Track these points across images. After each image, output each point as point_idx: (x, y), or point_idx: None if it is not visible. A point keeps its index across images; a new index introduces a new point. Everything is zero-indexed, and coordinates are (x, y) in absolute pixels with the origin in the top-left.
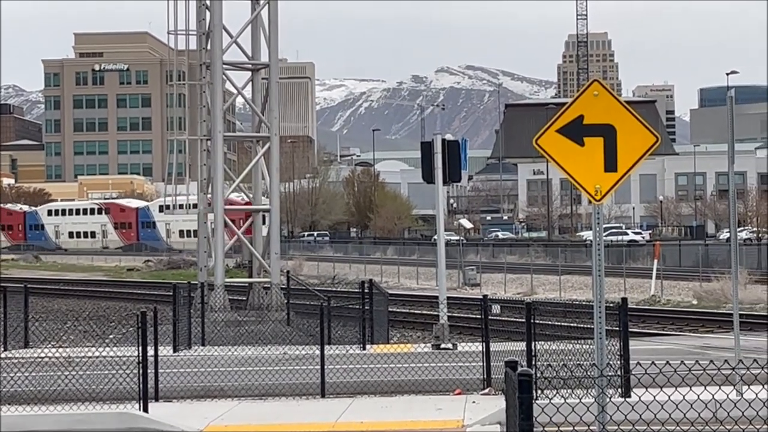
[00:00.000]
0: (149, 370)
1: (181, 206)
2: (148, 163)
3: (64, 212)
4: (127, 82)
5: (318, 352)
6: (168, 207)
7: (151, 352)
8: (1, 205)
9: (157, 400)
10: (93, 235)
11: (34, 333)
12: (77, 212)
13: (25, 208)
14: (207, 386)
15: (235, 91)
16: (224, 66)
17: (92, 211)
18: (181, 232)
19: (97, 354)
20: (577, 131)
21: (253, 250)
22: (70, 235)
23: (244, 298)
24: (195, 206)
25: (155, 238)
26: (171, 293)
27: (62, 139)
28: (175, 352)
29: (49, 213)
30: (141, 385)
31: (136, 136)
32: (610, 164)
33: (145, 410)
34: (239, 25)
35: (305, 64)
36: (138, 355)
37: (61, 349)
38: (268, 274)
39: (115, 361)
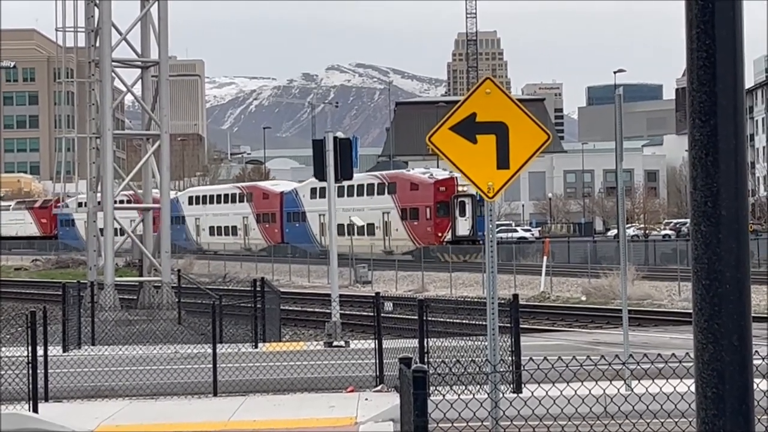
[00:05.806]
0: (39, 371)
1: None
2: (35, 161)
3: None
4: (14, 79)
5: (210, 350)
6: None
7: (40, 352)
8: (258, 184)
9: (47, 400)
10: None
11: None
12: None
13: (284, 187)
14: (98, 386)
15: (124, 89)
16: (113, 63)
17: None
18: None
19: None
20: (469, 129)
21: (143, 248)
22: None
23: (135, 297)
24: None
25: None
26: (60, 292)
27: None
28: (64, 351)
29: (312, 193)
30: (30, 386)
31: (23, 134)
32: (503, 161)
33: (35, 410)
34: (128, 23)
35: (195, 62)
36: (27, 355)
37: None
38: (159, 273)
39: (4, 361)
